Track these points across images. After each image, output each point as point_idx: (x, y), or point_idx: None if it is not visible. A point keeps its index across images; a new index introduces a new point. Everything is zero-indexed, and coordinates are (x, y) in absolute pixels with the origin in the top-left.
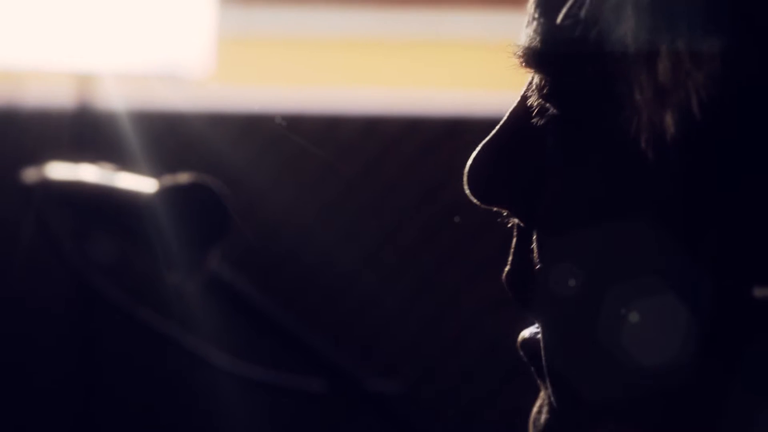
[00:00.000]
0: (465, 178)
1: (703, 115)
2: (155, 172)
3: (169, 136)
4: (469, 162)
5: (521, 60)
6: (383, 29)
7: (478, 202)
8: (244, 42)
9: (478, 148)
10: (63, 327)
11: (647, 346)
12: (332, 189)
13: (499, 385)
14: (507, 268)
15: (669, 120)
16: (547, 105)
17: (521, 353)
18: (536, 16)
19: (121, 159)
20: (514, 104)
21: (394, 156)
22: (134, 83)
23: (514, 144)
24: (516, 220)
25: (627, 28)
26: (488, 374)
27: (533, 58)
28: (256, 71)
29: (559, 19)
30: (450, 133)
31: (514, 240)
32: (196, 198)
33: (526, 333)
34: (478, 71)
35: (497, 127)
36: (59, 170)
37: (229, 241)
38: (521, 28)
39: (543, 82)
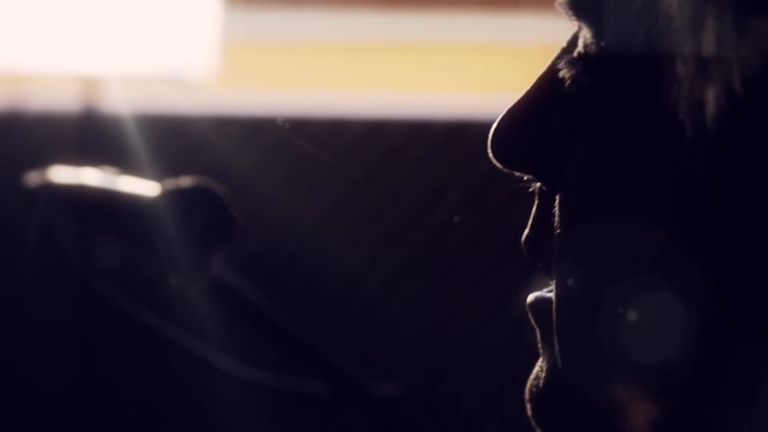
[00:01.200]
0: (489, 141)
1: (744, 92)
2: (160, 176)
3: (173, 140)
4: (494, 125)
5: (563, 5)
6: (387, 32)
7: (501, 166)
8: (248, 45)
9: (504, 112)
10: (67, 331)
11: (653, 335)
12: (336, 192)
13: (502, 390)
14: (526, 232)
15: (710, 95)
16: (581, 72)
17: (529, 314)
18: None
19: (125, 163)
20: (543, 70)
21: (398, 159)
22: (139, 86)
23: (541, 107)
24: (538, 185)
25: None
26: (491, 379)
27: (576, 3)
28: (260, 75)
29: None
30: (454, 137)
31: (535, 204)
32: (199, 201)
33: (535, 294)
34: (482, 74)
35: (524, 91)
36: (63, 174)
37: (232, 244)
38: (524, 30)
39: (584, 35)
